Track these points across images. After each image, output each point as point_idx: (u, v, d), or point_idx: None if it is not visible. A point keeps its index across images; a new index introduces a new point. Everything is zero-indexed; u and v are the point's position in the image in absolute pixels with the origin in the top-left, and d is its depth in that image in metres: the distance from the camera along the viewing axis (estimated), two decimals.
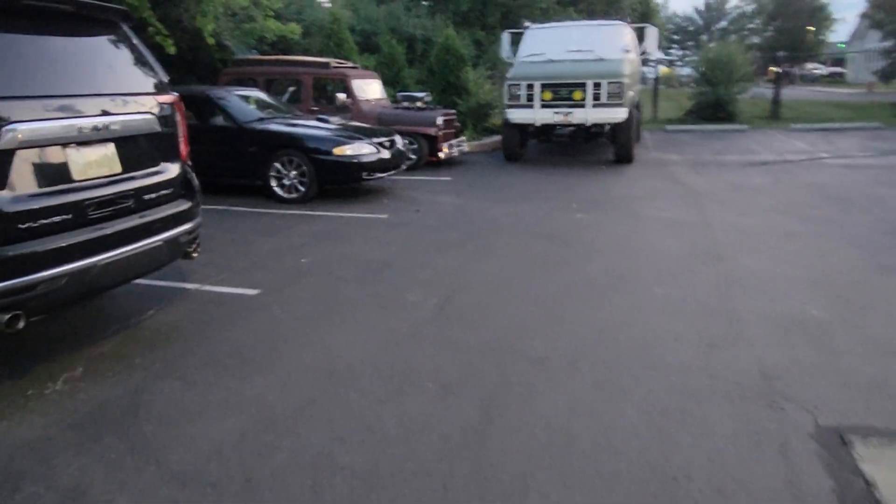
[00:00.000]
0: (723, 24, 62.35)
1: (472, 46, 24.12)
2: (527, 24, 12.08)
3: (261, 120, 8.50)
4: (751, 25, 59.37)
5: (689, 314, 4.30)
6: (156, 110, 3.85)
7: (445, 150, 11.08)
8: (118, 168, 3.53)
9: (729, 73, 18.37)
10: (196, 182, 4.30)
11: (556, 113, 10.90)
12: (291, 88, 11.70)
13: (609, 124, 11.07)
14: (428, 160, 11.12)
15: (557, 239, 6.36)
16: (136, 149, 3.70)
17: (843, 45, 58.16)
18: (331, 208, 7.90)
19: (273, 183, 8.25)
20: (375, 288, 4.95)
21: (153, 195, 3.75)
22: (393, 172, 8.86)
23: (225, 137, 8.36)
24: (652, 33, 11.72)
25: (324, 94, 11.78)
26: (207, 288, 5.00)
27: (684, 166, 10.92)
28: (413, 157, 11.00)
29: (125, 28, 3.90)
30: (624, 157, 11.19)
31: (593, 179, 9.87)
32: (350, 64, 12.10)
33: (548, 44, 11.52)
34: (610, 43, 11.21)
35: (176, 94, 4.13)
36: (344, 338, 3.99)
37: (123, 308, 4.58)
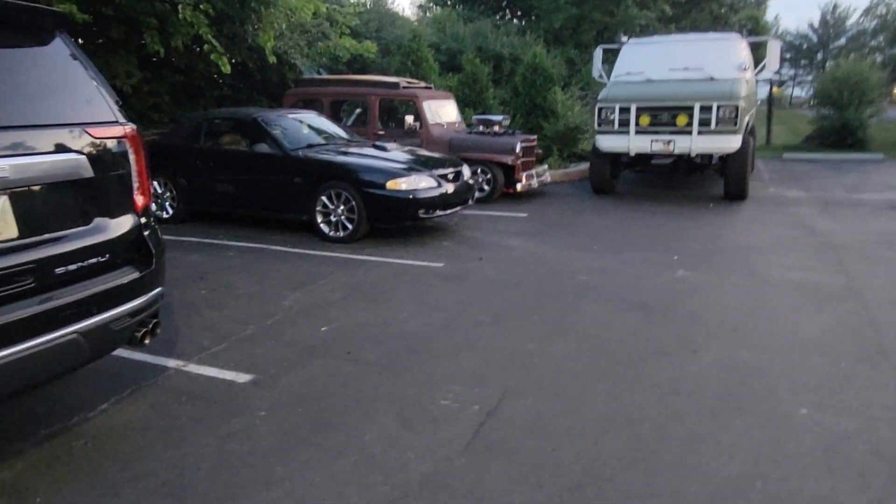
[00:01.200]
0: (841, 41, 57.55)
1: (564, 66, 22.72)
2: (624, 38, 10.61)
3: (309, 147, 7.51)
4: (873, 43, 54.38)
5: (859, 464, 2.77)
6: (90, 148, 2.79)
7: (524, 180, 9.76)
8: (12, 232, 2.47)
9: (860, 93, 16.01)
10: (158, 240, 3.22)
11: (655, 141, 9.34)
12: (358, 111, 10.77)
13: (718, 155, 9.40)
14: (504, 192, 9.84)
15: (652, 310, 4.89)
16: (48, 203, 2.64)
17: None
18: (379, 251, 6.76)
19: (319, 219, 7.22)
20: (400, 382, 3.70)
21: (73, 267, 2.68)
22: (458, 209, 7.63)
23: (270, 166, 7.43)
24: (774, 48, 9.94)
25: (393, 116, 10.78)
26: (191, 368, 3.92)
27: (812, 206, 9.06)
28: (486, 188, 9.76)
29: (60, 38, 2.88)
30: (736, 194, 9.47)
31: (698, 221, 8.24)
32: (422, 84, 11.04)
33: (648, 61, 10.00)
34: (722, 59, 9.55)
35: (131, 125, 3.06)
36: (327, 487, 2.75)
37: (76, 396, 3.55)
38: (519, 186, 9.69)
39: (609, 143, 9.72)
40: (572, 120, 13.99)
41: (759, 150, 14.87)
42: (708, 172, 10.17)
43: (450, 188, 7.30)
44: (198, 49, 10.90)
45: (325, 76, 11.14)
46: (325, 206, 7.15)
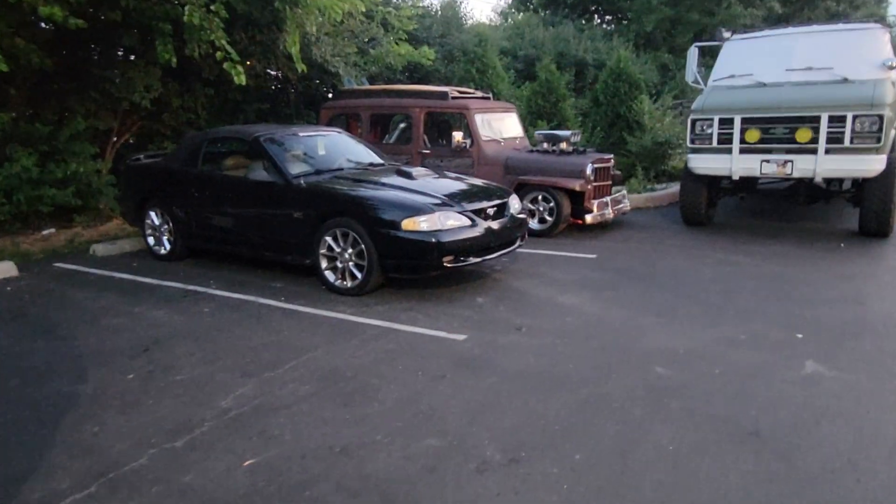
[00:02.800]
0: None
1: (657, 72, 20.49)
2: (726, 33, 8.58)
3: (317, 174, 6.08)
4: None
5: None
6: None
7: (595, 210, 7.94)
8: None
9: None
10: None
11: (767, 161, 7.30)
12: (402, 126, 9.31)
13: (852, 179, 7.24)
14: (571, 222, 8.06)
15: (769, 445, 3.04)
16: None
17: None
18: (391, 310, 5.19)
19: (323, 264, 5.75)
20: None
21: None
22: (502, 254, 5.96)
23: (269, 197, 6.05)
24: None
25: (444, 132, 9.24)
26: None
27: None
28: (548, 218, 8.01)
29: None
30: (876, 230, 7.26)
31: (827, 271, 6.16)
32: (478, 94, 9.43)
33: (758, 60, 7.95)
34: (859, 55, 7.37)
35: None
36: None
37: None
38: (589, 218, 7.88)
39: (705, 163, 7.74)
40: (661, 133, 11.97)
41: None
42: (836, 200, 7.97)
43: (489, 227, 5.65)
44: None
45: (367, 86, 9.78)
46: (330, 248, 5.68)
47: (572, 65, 19.42)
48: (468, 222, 5.50)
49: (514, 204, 6.21)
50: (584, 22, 24.17)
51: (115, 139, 10.40)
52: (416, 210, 5.34)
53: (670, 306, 5.19)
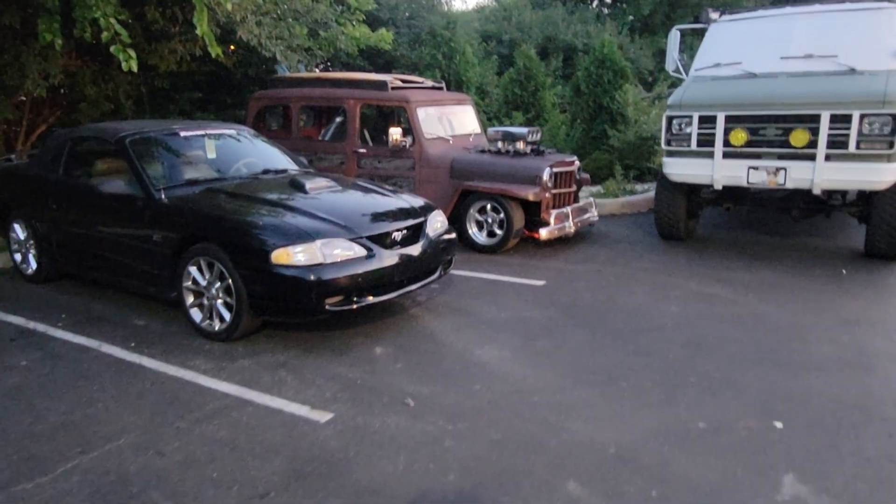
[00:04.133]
0: None
1: (652, 59, 19.13)
2: (713, 14, 7.29)
3: (187, 185, 4.88)
4: None
5: None
6: None
7: (553, 223, 6.72)
8: None
9: None
10: None
11: (755, 168, 6.06)
12: (338, 120, 8.07)
13: (858, 193, 6.01)
14: (526, 235, 6.86)
15: None
16: None
17: None
18: (256, 369, 4.02)
19: (188, 300, 4.57)
20: None
21: None
22: (416, 287, 4.75)
23: (128, 214, 4.86)
24: None
25: (386, 127, 8.00)
26: None
27: None
28: (498, 232, 6.80)
29: None
30: (886, 251, 6.04)
31: (825, 313, 4.94)
32: (428, 83, 8.19)
33: (748, 46, 6.68)
34: (868, 42, 6.09)
35: None
36: None
37: None
38: (544, 233, 6.66)
39: (683, 169, 6.50)
40: (647, 127, 10.69)
41: None
42: (838, 213, 6.74)
43: (396, 257, 4.45)
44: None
45: (300, 74, 8.53)
46: (195, 281, 4.49)
47: (560, 50, 18.10)
48: (363, 252, 4.30)
49: (437, 223, 5.00)
50: (577, 5, 22.73)
51: (26, 132, 9.25)
52: (289, 237, 4.14)
53: (615, 369, 4.00)
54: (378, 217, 4.63)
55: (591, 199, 7.69)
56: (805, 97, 5.81)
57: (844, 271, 5.87)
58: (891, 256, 6.07)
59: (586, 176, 7.83)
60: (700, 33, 7.48)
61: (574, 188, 7.27)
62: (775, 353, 4.15)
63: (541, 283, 5.76)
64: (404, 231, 4.65)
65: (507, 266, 6.31)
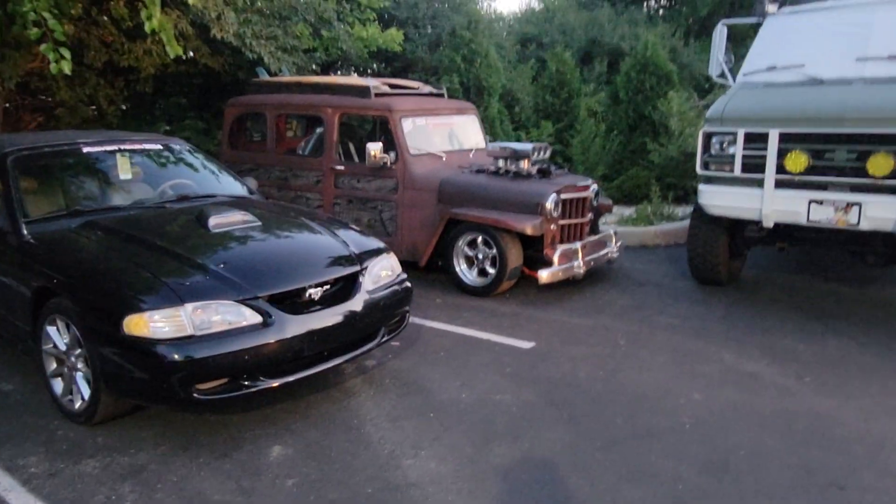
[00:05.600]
0: None
1: (706, 64, 17.46)
2: (770, 6, 5.88)
3: (71, 216, 3.85)
4: None
5: None
6: None
7: (557, 262, 5.44)
8: None
9: None
10: None
11: (820, 203, 4.65)
12: (319, 131, 6.99)
13: None
14: (527, 274, 5.60)
15: None
16: None
17: None
18: (93, 484, 2.93)
19: (49, 367, 3.53)
20: None
21: None
22: (340, 363, 3.57)
23: None
24: None
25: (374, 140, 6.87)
26: None
27: None
28: (490, 271, 5.58)
29: None
30: None
31: None
32: (424, 88, 7.03)
33: (814, 44, 5.25)
34: None
35: None
36: None
37: None
38: (545, 275, 5.37)
39: (724, 200, 5.13)
40: (692, 141, 9.22)
41: None
42: None
43: (308, 323, 3.29)
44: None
45: (280, 79, 7.49)
46: (55, 345, 3.45)
47: (605, 54, 16.67)
48: (258, 319, 3.15)
49: (381, 273, 3.83)
50: (627, 6, 21.17)
51: None
52: (150, 299, 3.03)
53: None
54: (292, 268, 3.48)
55: (612, 230, 6.35)
56: (889, 111, 4.38)
57: None
58: None
59: (607, 202, 6.51)
60: (756, 30, 6.06)
61: (588, 218, 5.97)
62: (839, 490, 2.80)
63: (529, 345, 4.50)
64: (327, 287, 3.49)
65: (494, 317, 5.07)
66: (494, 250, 5.50)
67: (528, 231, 5.32)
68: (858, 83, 4.76)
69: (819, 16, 5.48)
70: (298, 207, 5.27)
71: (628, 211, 8.71)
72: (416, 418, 3.49)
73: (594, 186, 6.04)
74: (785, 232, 5.17)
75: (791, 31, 5.51)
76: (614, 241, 6.17)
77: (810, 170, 4.65)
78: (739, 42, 7.39)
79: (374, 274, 3.75)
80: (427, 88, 7.13)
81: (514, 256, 5.48)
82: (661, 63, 10.70)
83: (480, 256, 5.64)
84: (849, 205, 4.54)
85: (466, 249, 5.72)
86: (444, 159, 6.26)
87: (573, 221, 5.78)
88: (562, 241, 5.66)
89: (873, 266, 5.22)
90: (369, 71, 11.46)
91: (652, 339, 4.57)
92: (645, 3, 23.88)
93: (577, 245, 5.63)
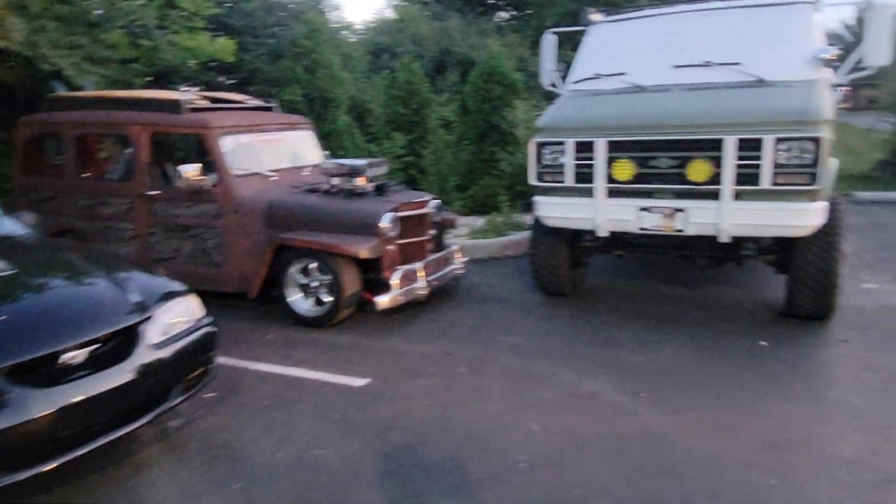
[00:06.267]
0: None
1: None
2: (594, 14, 5.92)
3: None
4: None
5: None
6: None
7: (396, 285, 5.08)
8: None
9: None
10: None
11: (647, 210, 4.64)
12: (128, 152, 6.21)
13: (775, 238, 4.66)
14: (367, 299, 5.18)
15: None
16: None
17: None
18: None
19: None
20: None
21: None
22: (117, 436, 2.96)
23: None
24: (880, 19, 5.03)
25: (190, 160, 6.19)
26: None
27: None
28: (326, 299, 5.13)
29: None
30: (812, 310, 4.73)
31: (748, 421, 3.51)
32: (251, 101, 6.47)
33: (635, 52, 5.30)
34: (780, 45, 4.81)
35: None
36: None
37: None
38: (383, 301, 5.00)
39: (558, 211, 5.03)
40: None
41: None
42: (754, 262, 5.38)
43: (63, 397, 2.67)
44: None
45: (81, 94, 6.62)
46: None
47: (457, 64, 16.75)
48: None
49: (172, 321, 3.26)
50: (477, 17, 21.50)
51: None
52: None
53: None
54: (45, 329, 2.84)
55: (457, 245, 6.11)
56: (702, 117, 4.44)
57: (764, 343, 4.49)
58: (818, 316, 4.77)
59: (451, 216, 6.27)
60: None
61: (430, 235, 5.68)
62: (686, 482, 2.64)
63: (363, 382, 4.10)
64: (96, 346, 2.89)
65: (330, 351, 4.63)
66: (330, 277, 5.05)
67: (363, 254, 4.93)
68: (676, 90, 4.82)
69: (639, 24, 5.55)
70: (86, 247, 4.55)
71: (481, 222, 8.60)
72: (218, 493, 2.97)
73: (435, 201, 5.77)
74: (621, 240, 5.15)
75: (613, 40, 5.54)
76: (459, 256, 5.93)
77: (637, 178, 4.63)
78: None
79: (162, 323, 3.18)
80: (254, 102, 6.57)
81: (351, 282, 5.07)
82: (506, 72, 10.77)
83: (315, 284, 5.17)
84: (674, 211, 4.55)
85: (300, 277, 5.24)
86: (274, 179, 5.74)
87: (414, 240, 5.47)
88: (403, 262, 5.32)
89: (704, 269, 5.33)
90: (198, 85, 10.62)
91: (494, 364, 4.32)
92: (495, 14, 24.44)
93: (419, 265, 5.31)
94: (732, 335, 4.64)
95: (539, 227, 5.35)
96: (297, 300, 5.24)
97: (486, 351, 4.55)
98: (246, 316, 5.50)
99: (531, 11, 22.32)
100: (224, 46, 9.02)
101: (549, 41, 5.99)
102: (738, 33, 4.99)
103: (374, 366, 4.33)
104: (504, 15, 24.59)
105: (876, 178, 11.72)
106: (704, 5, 5.33)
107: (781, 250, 4.76)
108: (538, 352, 4.49)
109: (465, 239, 7.72)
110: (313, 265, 5.13)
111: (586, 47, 5.68)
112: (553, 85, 5.92)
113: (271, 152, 6.04)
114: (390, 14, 21.93)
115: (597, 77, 5.25)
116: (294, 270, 5.21)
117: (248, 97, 6.69)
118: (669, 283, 6.00)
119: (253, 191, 5.50)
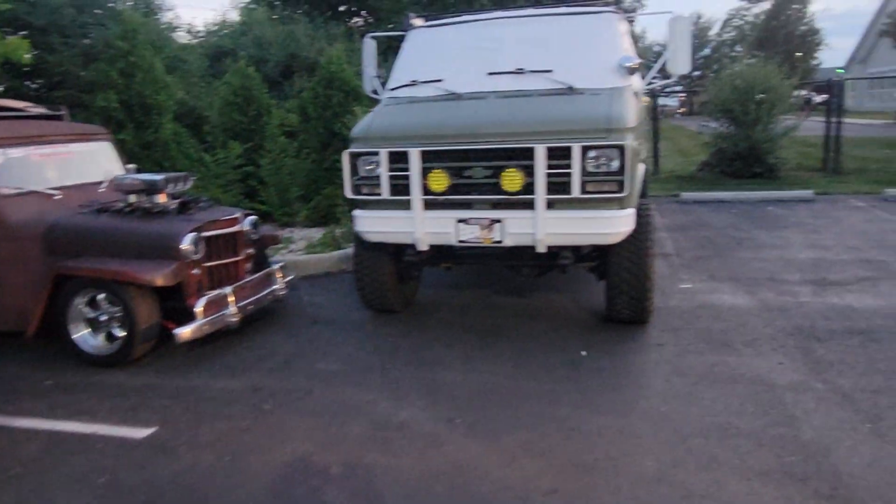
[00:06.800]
0: (706, 51, 57.36)
1: None
2: (413, 20, 5.72)
3: None
4: (732, 54, 54.04)
5: None
6: None
7: (202, 314, 4.55)
8: None
9: (770, 106, 12.17)
10: None
11: (464, 222, 4.47)
12: None
13: (591, 246, 4.65)
14: (169, 329, 4.58)
15: None
16: None
17: (843, 71, 53.10)
18: None
19: None
20: None
21: None
22: None
23: None
24: (681, 31, 5.22)
25: None
26: None
27: (782, 337, 4.51)
28: (119, 334, 4.50)
29: None
30: (629, 315, 4.78)
31: (561, 443, 3.39)
32: (34, 109, 5.64)
33: (450, 59, 5.14)
34: (590, 52, 4.85)
35: None
36: None
37: None
38: (185, 332, 4.44)
39: (377, 226, 4.74)
40: None
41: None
42: (575, 267, 5.39)
43: None
44: None
45: None
46: None
47: (305, 69, 16.15)
48: None
49: None
50: (326, 21, 20.95)
51: None
52: None
53: None
54: None
55: (278, 264, 5.63)
56: (515, 125, 4.33)
57: (584, 353, 4.45)
58: (635, 320, 4.83)
59: (272, 233, 5.81)
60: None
61: (245, 255, 5.19)
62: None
63: (147, 432, 3.56)
64: None
65: (116, 396, 4.03)
66: (121, 308, 4.43)
67: (159, 281, 4.37)
68: (491, 97, 4.70)
69: (456, 30, 5.41)
70: None
71: (320, 234, 8.17)
72: None
73: (249, 218, 5.28)
74: (445, 253, 4.95)
75: (432, 46, 5.36)
76: (281, 276, 5.48)
77: (453, 189, 4.44)
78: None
79: None
80: (38, 110, 5.73)
81: (147, 313, 4.48)
82: (346, 78, 10.40)
83: (105, 318, 4.53)
84: (491, 222, 4.41)
85: (87, 310, 4.56)
86: (58, 198, 4.99)
87: (224, 261, 4.96)
88: (212, 287, 4.80)
89: (528, 277, 5.26)
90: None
91: (306, 397, 3.95)
92: (352, 20, 24.00)
93: (228, 289, 4.81)
94: (556, 345, 4.58)
95: (361, 242, 5.04)
96: (84, 336, 4.56)
97: (298, 382, 4.16)
98: (24, 358, 4.74)
99: (381, 17, 22.16)
100: (16, 45, 7.91)
101: (370, 46, 5.71)
102: (549, 41, 4.97)
103: (164, 411, 3.80)
104: (360, 21, 24.25)
105: (700, 179, 12.61)
106: (518, 12, 5.29)
107: (599, 257, 4.78)
108: (355, 380, 4.17)
109: (301, 254, 7.28)
110: (101, 296, 4.48)
111: (405, 53, 5.45)
112: (375, 92, 5.64)
113: (56, 167, 5.27)
114: (234, 16, 20.85)
115: (413, 84, 5.03)
116: (79, 303, 4.53)
117: (30, 104, 5.83)
118: (502, 293, 5.92)
119: (28, 213, 4.75)
